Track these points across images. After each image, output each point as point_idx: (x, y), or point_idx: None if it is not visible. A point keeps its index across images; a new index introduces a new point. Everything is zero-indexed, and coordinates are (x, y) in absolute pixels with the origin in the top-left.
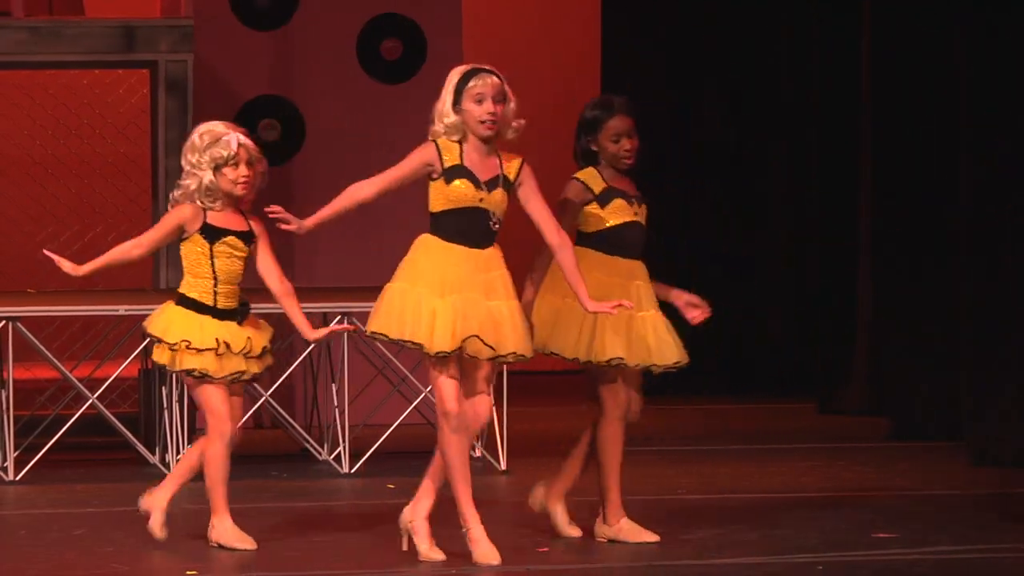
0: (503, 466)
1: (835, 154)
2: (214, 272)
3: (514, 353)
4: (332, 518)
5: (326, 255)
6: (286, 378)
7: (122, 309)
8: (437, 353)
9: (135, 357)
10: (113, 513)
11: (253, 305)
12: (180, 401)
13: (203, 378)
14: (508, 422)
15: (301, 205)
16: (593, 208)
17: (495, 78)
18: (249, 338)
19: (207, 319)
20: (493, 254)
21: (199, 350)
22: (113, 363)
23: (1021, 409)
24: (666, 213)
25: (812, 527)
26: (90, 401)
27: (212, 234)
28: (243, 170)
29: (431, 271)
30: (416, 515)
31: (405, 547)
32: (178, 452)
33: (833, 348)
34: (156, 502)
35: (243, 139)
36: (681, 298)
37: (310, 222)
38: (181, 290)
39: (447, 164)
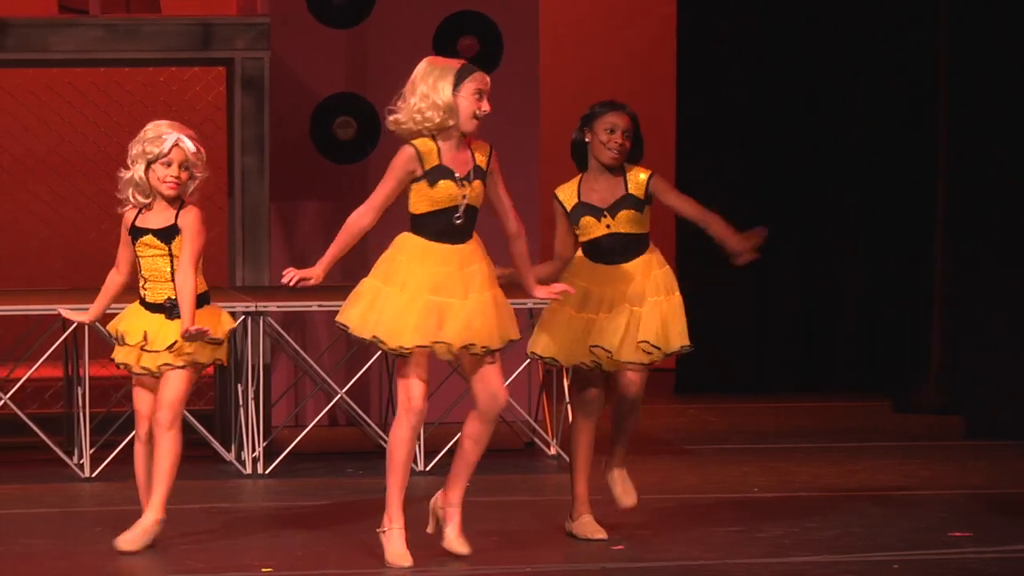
0: None
1: (911, 149)
2: (140, 268)
3: (478, 345)
4: (408, 514)
5: (345, 254)
6: (362, 376)
7: None
8: (399, 349)
9: None
10: (188, 510)
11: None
12: (255, 399)
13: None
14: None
15: None
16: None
17: (488, 78)
18: (145, 332)
19: (139, 311)
20: (474, 248)
21: (115, 341)
22: None
23: None
24: (740, 207)
25: (887, 525)
26: None
27: (135, 234)
28: (173, 170)
29: (408, 271)
30: (448, 502)
31: (431, 530)
32: (253, 449)
33: (908, 346)
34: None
35: (184, 142)
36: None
37: (321, 269)
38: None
39: (428, 165)
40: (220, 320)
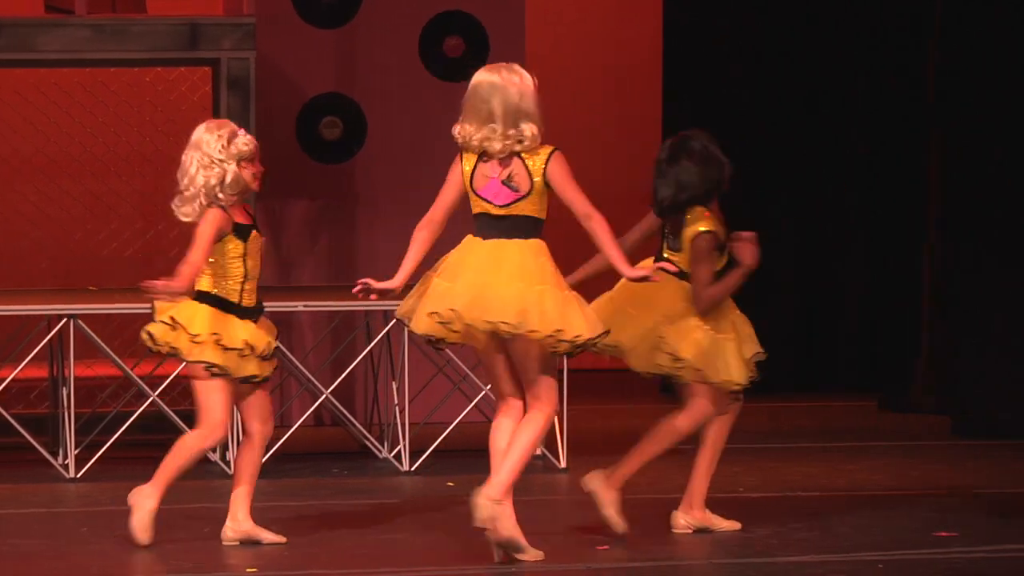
0: (563, 464)
1: (903, 152)
2: (246, 270)
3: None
4: (391, 516)
5: (386, 253)
6: (346, 376)
7: None
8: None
9: None
10: (174, 510)
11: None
12: None
13: (218, 375)
14: (568, 420)
15: (362, 202)
16: None
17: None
18: (269, 342)
19: (232, 318)
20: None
21: (225, 348)
22: (174, 361)
23: None
24: (733, 209)
25: (874, 525)
26: (151, 398)
27: (244, 232)
28: (259, 166)
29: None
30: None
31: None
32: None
33: (897, 346)
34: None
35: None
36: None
37: (400, 281)
38: (202, 288)
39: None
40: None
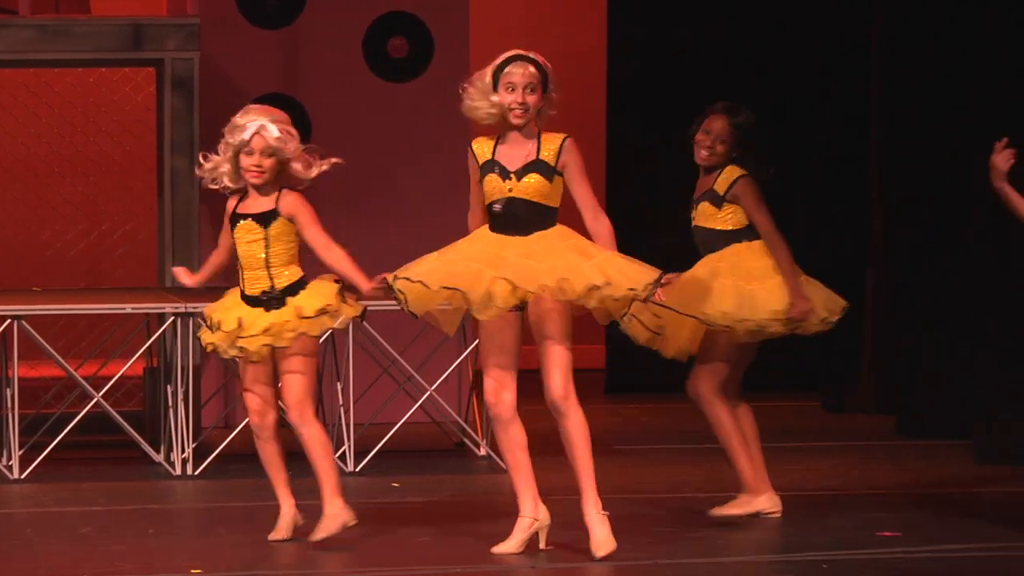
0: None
1: (844, 149)
2: (239, 258)
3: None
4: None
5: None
6: None
7: (128, 307)
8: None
9: (140, 355)
10: (119, 511)
11: None
12: (185, 400)
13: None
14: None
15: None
16: None
17: (531, 67)
18: (240, 318)
19: (242, 305)
20: (538, 240)
21: (209, 327)
22: (118, 361)
23: None
24: (670, 209)
25: (817, 525)
26: (95, 399)
27: (233, 220)
28: (255, 159)
29: (459, 247)
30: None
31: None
32: (183, 451)
33: (840, 346)
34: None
35: (268, 129)
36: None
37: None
38: None
39: (481, 162)
40: (332, 289)
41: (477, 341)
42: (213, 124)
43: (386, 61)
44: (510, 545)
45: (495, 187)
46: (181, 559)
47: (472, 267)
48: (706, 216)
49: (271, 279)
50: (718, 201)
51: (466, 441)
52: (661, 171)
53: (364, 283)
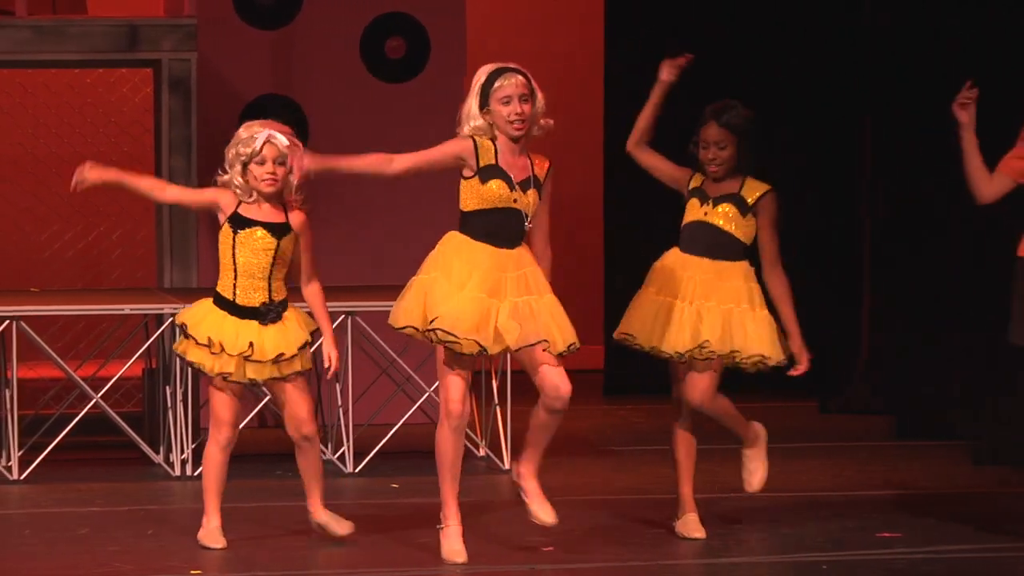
0: (507, 465)
1: (837, 150)
2: (235, 264)
3: (547, 341)
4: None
5: (327, 255)
6: None
7: (126, 308)
8: (454, 342)
9: (139, 356)
10: (117, 512)
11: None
12: (184, 401)
13: (200, 373)
14: (512, 421)
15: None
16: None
17: (520, 77)
18: (252, 343)
19: (226, 316)
20: (522, 253)
21: (196, 342)
22: (117, 362)
23: None
24: (669, 210)
25: (816, 527)
26: (94, 400)
27: (238, 223)
28: (268, 167)
29: (460, 267)
30: (522, 475)
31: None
32: (182, 452)
33: (836, 347)
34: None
35: (276, 137)
36: (795, 344)
37: (320, 162)
38: (217, 286)
39: (483, 163)
40: (309, 322)
41: None
42: (210, 125)
43: (383, 62)
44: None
45: (501, 195)
46: (180, 560)
47: (488, 314)
48: (728, 218)
49: (270, 291)
50: (745, 209)
51: (465, 442)
52: (673, 157)
53: (329, 330)
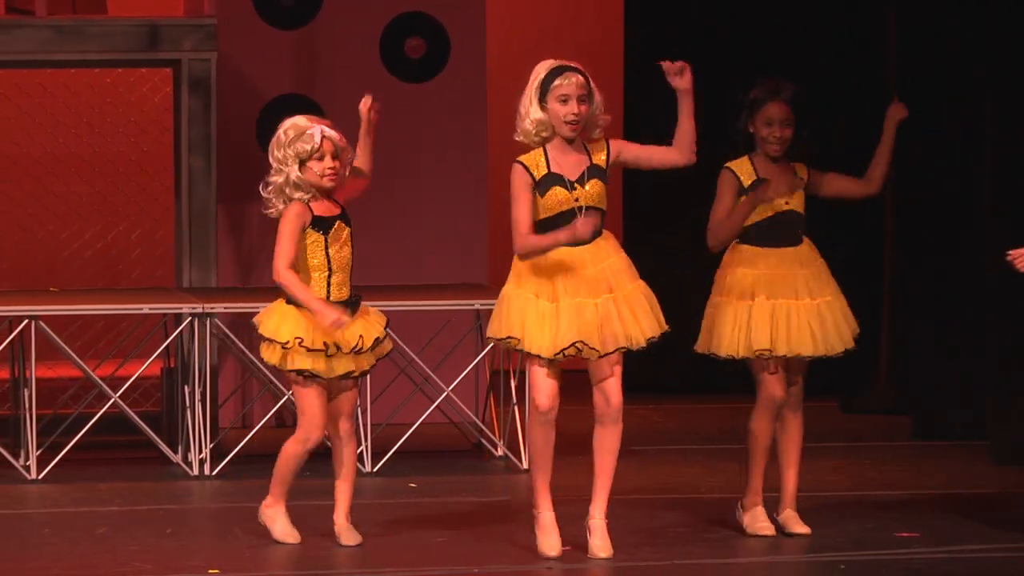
0: (525, 465)
1: (859, 148)
2: (329, 262)
3: (629, 344)
4: (355, 517)
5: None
6: None
7: (145, 308)
8: (536, 356)
9: (158, 356)
10: (136, 512)
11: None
12: (202, 400)
13: (312, 378)
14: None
15: None
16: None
17: (579, 76)
18: (361, 336)
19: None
20: (601, 245)
21: (309, 349)
22: (136, 362)
23: None
24: (687, 206)
25: (835, 526)
26: (112, 400)
27: (322, 224)
28: (328, 162)
29: (537, 275)
30: (590, 515)
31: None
32: (200, 451)
33: (857, 346)
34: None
35: (327, 131)
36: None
37: None
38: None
39: (538, 176)
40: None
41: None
42: (230, 125)
43: (403, 61)
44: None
45: (561, 200)
46: (198, 559)
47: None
48: (800, 202)
49: (351, 281)
50: (805, 190)
51: (483, 442)
52: (679, 169)
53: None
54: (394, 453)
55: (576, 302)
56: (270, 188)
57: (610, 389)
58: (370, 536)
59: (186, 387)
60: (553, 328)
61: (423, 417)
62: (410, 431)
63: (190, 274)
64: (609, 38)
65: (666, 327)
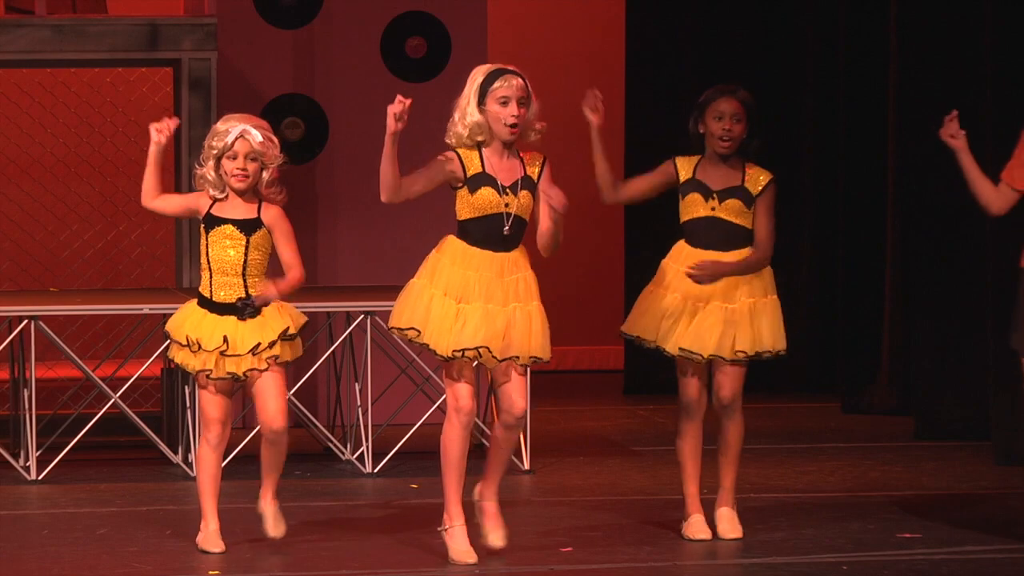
0: (527, 466)
1: (861, 151)
2: (208, 262)
3: (519, 356)
4: (355, 518)
5: (348, 255)
6: (309, 377)
7: (145, 308)
8: (443, 357)
9: (157, 356)
10: (136, 512)
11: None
12: None
13: (185, 372)
14: (532, 422)
15: (324, 202)
16: (680, 198)
17: (519, 80)
18: (226, 337)
19: (206, 314)
20: (518, 257)
21: (179, 344)
22: (135, 362)
23: None
24: None
25: (837, 527)
26: (112, 400)
27: (210, 223)
28: (239, 163)
29: (452, 275)
30: (483, 496)
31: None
32: None
33: (858, 347)
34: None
35: (250, 133)
36: None
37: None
38: (199, 287)
39: (470, 173)
40: (295, 315)
41: None
42: None
43: (404, 61)
44: None
45: (491, 202)
46: (199, 560)
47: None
48: (737, 212)
49: (245, 287)
50: (749, 201)
51: (484, 442)
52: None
53: (282, 290)
54: (395, 454)
55: (488, 308)
56: (196, 178)
57: (515, 394)
58: (370, 536)
59: (186, 388)
60: (456, 328)
61: (424, 417)
62: (411, 431)
63: (190, 274)
64: (611, 38)
65: (548, 356)
